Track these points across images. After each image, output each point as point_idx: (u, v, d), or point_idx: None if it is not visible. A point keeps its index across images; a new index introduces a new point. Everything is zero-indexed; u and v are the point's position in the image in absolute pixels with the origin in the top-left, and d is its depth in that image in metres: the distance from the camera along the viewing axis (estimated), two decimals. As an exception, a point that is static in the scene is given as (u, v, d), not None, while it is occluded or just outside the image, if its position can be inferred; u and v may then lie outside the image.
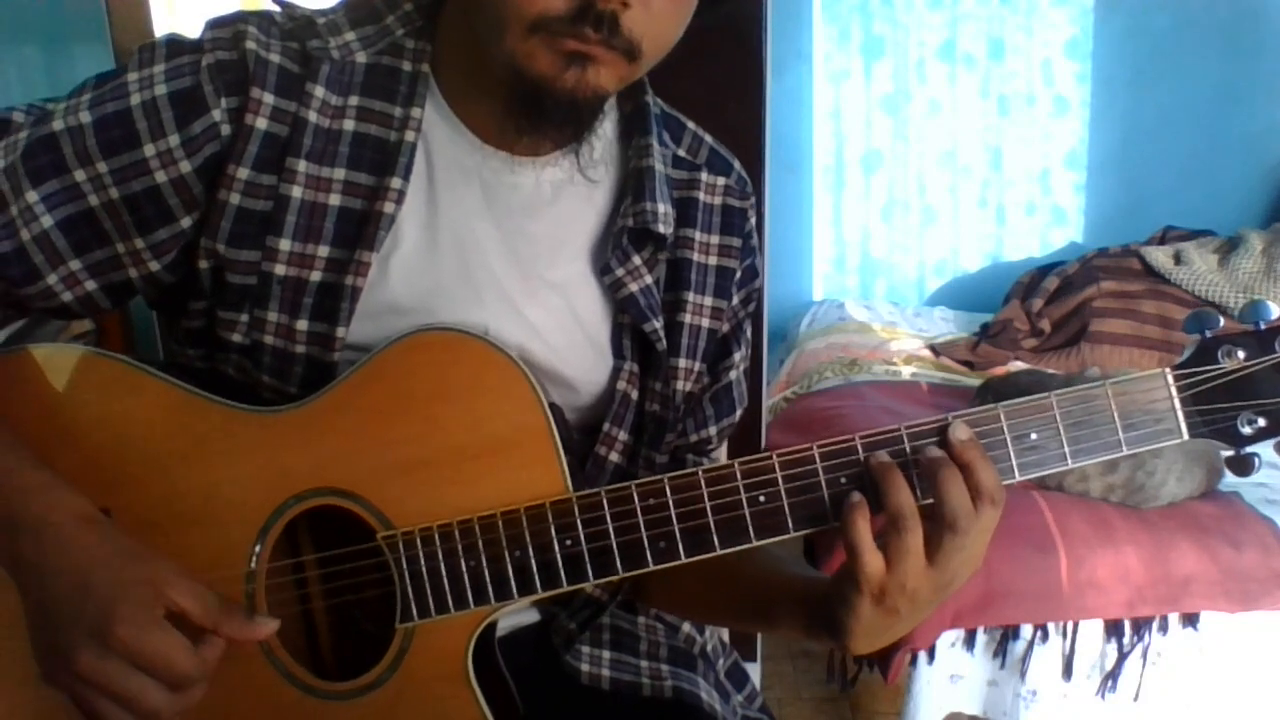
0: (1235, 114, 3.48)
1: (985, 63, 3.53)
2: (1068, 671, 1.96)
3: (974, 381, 2.79)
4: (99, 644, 0.68)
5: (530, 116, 0.79)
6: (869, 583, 0.72)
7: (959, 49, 3.52)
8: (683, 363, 0.93)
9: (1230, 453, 0.76)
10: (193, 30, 0.82)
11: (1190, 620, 1.94)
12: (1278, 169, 3.52)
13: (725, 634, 1.14)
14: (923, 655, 1.97)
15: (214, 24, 0.81)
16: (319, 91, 0.80)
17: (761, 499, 0.75)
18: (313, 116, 0.80)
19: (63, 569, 0.70)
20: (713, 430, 0.97)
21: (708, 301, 0.93)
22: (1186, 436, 0.75)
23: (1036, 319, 3.14)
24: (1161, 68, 3.47)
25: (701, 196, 0.94)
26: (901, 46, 3.52)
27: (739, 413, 1.00)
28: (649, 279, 0.89)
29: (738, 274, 0.95)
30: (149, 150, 0.77)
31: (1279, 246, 3.07)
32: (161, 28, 2.24)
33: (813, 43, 3.52)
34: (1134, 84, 3.50)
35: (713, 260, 0.94)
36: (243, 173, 0.78)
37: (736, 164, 0.98)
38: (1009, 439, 0.75)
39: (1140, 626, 1.94)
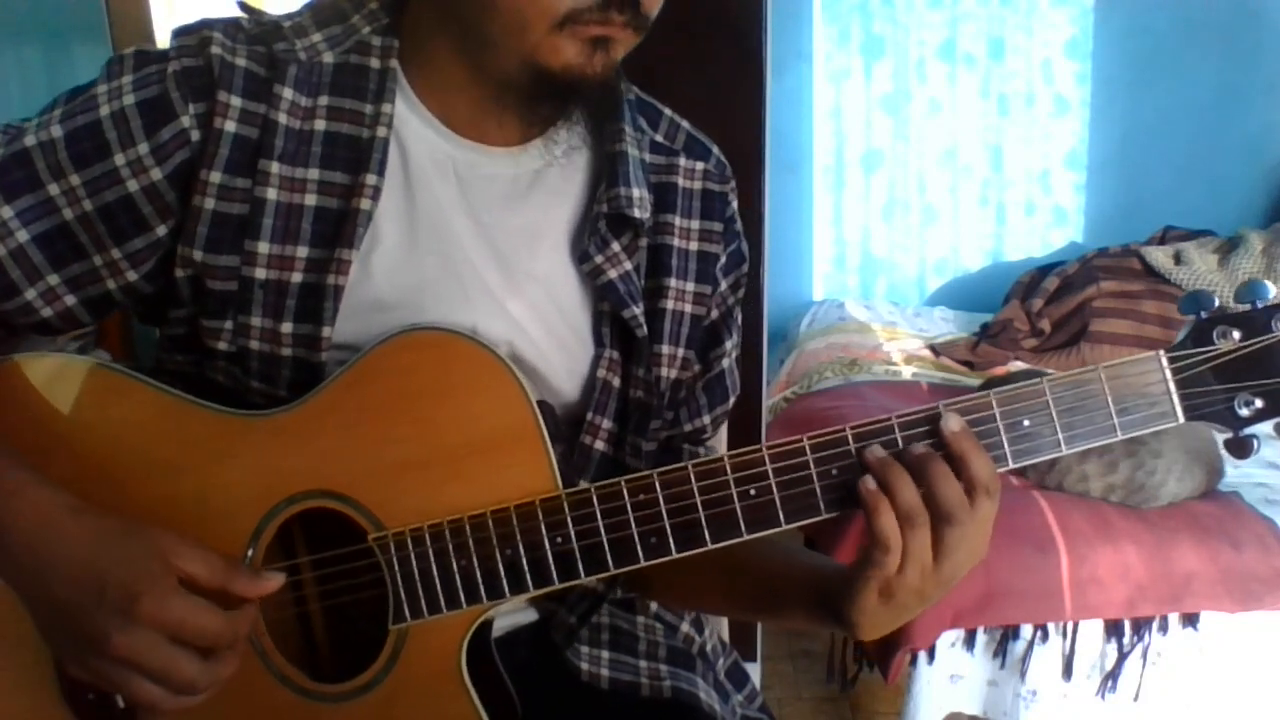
0: (1235, 114, 3.48)
1: (985, 62, 3.53)
2: (1068, 671, 1.96)
3: (974, 381, 2.79)
4: (127, 622, 0.68)
5: (553, 105, 0.81)
6: (881, 579, 0.73)
7: (959, 49, 3.52)
8: (666, 349, 0.92)
9: (1228, 435, 0.75)
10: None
11: (1190, 620, 1.94)
12: (1278, 169, 3.53)
13: (725, 633, 1.14)
14: (923, 655, 1.97)
15: (180, 32, 0.81)
16: (287, 93, 0.80)
17: (752, 492, 0.75)
18: (283, 118, 0.80)
19: (66, 562, 0.70)
20: (706, 419, 0.97)
21: (690, 287, 0.93)
22: (1182, 419, 0.74)
23: (1036, 319, 3.14)
24: (1161, 68, 3.48)
25: (680, 181, 0.94)
26: (901, 46, 3.53)
27: (732, 400, 1.00)
28: (628, 265, 0.89)
29: (721, 259, 0.95)
30: (119, 160, 0.78)
31: (1279, 246, 3.07)
32: (162, 27, 2.25)
33: (813, 43, 3.52)
34: (1134, 84, 3.51)
35: (694, 245, 0.94)
36: (215, 176, 0.78)
37: (715, 149, 0.98)
38: (1001, 426, 0.74)
39: (1140, 626, 1.94)
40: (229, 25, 0.81)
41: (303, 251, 0.81)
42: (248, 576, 0.75)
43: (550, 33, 0.75)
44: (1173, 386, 0.74)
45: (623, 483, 0.76)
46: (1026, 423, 0.74)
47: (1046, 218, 3.65)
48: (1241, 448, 0.75)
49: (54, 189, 0.78)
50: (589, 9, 0.74)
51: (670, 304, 0.92)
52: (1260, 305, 0.73)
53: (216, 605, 0.72)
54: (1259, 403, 0.74)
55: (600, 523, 0.76)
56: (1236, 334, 0.73)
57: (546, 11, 0.74)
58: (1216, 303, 0.74)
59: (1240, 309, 0.74)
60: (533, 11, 0.74)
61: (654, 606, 1.02)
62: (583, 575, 0.76)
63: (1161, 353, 0.74)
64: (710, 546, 0.76)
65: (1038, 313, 3.16)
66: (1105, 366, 0.74)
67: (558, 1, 0.74)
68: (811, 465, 0.75)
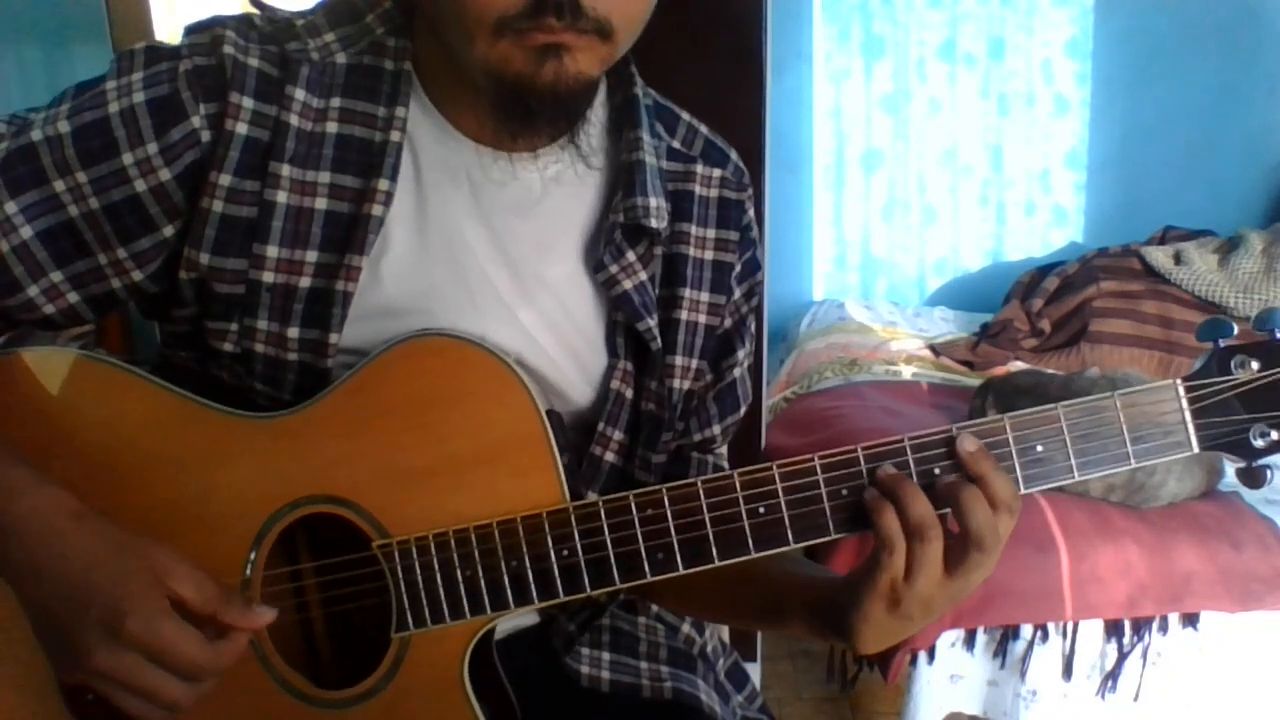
0: (1235, 114, 3.48)
1: (985, 62, 3.52)
2: (1068, 671, 1.96)
3: (974, 381, 2.78)
4: (111, 639, 0.68)
5: (521, 118, 0.78)
6: (886, 587, 0.72)
7: (959, 48, 3.52)
8: (680, 360, 0.91)
9: (1241, 464, 0.75)
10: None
11: (1190, 620, 1.94)
12: (1278, 169, 3.52)
13: (725, 635, 1.14)
14: (923, 655, 1.97)
15: (192, 29, 0.80)
16: (299, 94, 0.79)
17: (761, 510, 0.75)
18: (294, 120, 0.79)
19: (60, 567, 0.70)
20: (717, 429, 0.96)
21: (705, 297, 0.92)
22: (1197, 449, 0.74)
23: (1036, 319, 3.14)
24: (1161, 68, 3.47)
25: (697, 189, 0.92)
26: (902, 46, 3.52)
27: (744, 409, 0.98)
28: (643, 275, 0.88)
29: (736, 268, 0.94)
30: (128, 159, 0.77)
31: (1279, 246, 3.07)
32: (162, 28, 2.24)
33: (813, 42, 3.51)
34: (1134, 84, 3.50)
35: (709, 255, 0.92)
36: (225, 179, 0.78)
37: (733, 155, 0.96)
38: (1014, 451, 0.74)
39: (1140, 626, 1.94)
40: (241, 23, 0.80)
41: (312, 256, 0.80)
42: (239, 608, 0.72)
43: (493, 41, 0.73)
44: (1189, 416, 0.74)
45: (631, 497, 0.75)
46: (1040, 448, 0.74)
47: (1046, 217, 3.65)
48: (1254, 478, 0.74)
49: (59, 185, 0.77)
50: (519, 16, 0.71)
51: (684, 314, 0.91)
52: (1278, 335, 0.73)
53: (206, 629, 0.71)
54: (1275, 434, 0.74)
55: (607, 537, 0.75)
56: (1255, 364, 0.73)
57: (480, 20, 0.72)
58: (1235, 331, 0.74)
59: (1259, 338, 0.73)
60: (470, 20, 0.73)
61: (654, 608, 1.02)
62: (588, 589, 0.76)
63: (1178, 381, 0.74)
64: (718, 564, 0.75)
65: (1038, 313, 3.15)
66: (1121, 394, 0.74)
67: (488, 10, 0.72)
68: (822, 485, 0.74)
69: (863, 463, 0.74)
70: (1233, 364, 0.74)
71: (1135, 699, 1.96)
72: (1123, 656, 1.94)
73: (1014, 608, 1.93)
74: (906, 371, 2.89)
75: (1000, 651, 1.98)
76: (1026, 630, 1.95)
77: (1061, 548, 1.94)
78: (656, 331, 0.88)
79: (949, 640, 1.97)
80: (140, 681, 0.69)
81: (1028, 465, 0.74)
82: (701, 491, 0.75)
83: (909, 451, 0.74)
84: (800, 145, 3.59)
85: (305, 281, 0.80)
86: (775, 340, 3.23)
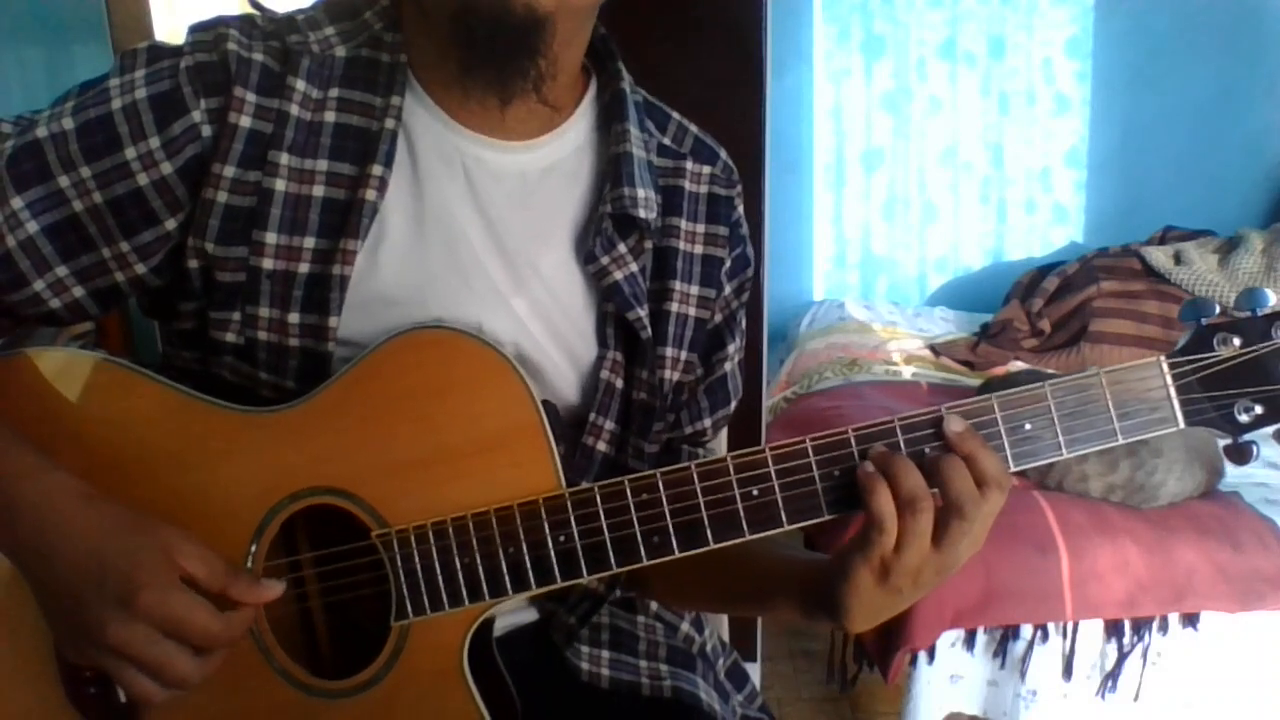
0: (1235, 114, 3.49)
1: (986, 61, 3.53)
2: (1068, 671, 1.96)
3: (974, 382, 2.79)
4: (125, 612, 0.68)
5: (494, 54, 0.78)
6: (877, 558, 0.73)
7: (959, 47, 3.53)
8: (670, 352, 0.92)
9: (1228, 441, 0.76)
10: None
11: (1190, 620, 1.94)
12: (1278, 169, 3.53)
13: (725, 633, 1.14)
14: (923, 655, 1.97)
15: (195, 28, 0.82)
16: (300, 85, 0.81)
17: (755, 493, 0.75)
18: (294, 110, 0.80)
19: (71, 547, 0.71)
20: (708, 422, 0.98)
21: (695, 290, 0.93)
22: (1182, 425, 0.75)
23: (1036, 319, 3.14)
24: (1161, 68, 3.48)
25: (687, 185, 0.94)
26: (902, 45, 3.53)
27: (734, 404, 1.00)
28: (634, 267, 0.89)
29: (726, 263, 0.95)
30: (130, 153, 0.78)
31: (1279, 246, 3.07)
32: (162, 28, 2.25)
33: (813, 42, 3.53)
34: (1134, 83, 3.51)
35: (699, 249, 0.94)
36: (229, 170, 0.79)
37: (722, 153, 0.98)
38: (1003, 430, 0.75)
39: (1140, 626, 1.94)
40: (244, 22, 0.82)
41: (309, 242, 0.81)
42: (247, 582, 0.74)
43: None
44: (1173, 392, 0.75)
45: (626, 482, 0.76)
46: (1028, 426, 0.75)
47: (1047, 216, 3.66)
48: (1241, 453, 0.75)
49: (64, 181, 0.78)
50: None
51: (675, 307, 0.92)
52: (1260, 313, 0.74)
53: (215, 606, 0.72)
54: (1258, 409, 0.75)
55: (603, 522, 0.76)
56: (1237, 341, 0.74)
57: None
58: (1217, 310, 0.75)
59: (1240, 316, 0.75)
60: None
61: (654, 606, 1.03)
62: (585, 574, 0.77)
63: (1162, 358, 0.75)
64: (713, 546, 0.76)
65: (1038, 313, 3.16)
66: (1106, 371, 0.75)
67: None
68: (814, 466, 0.75)
69: (854, 444, 0.75)
70: (1215, 341, 0.75)
71: (1135, 699, 1.96)
72: (1123, 656, 1.94)
73: (1014, 608, 1.93)
74: (906, 371, 2.90)
75: (1000, 651, 1.98)
76: (1026, 630, 1.95)
77: (1061, 548, 1.95)
78: (647, 321, 0.89)
79: (949, 640, 1.98)
80: (152, 654, 0.69)
81: (1017, 443, 0.75)
82: (695, 475, 0.75)
83: (899, 432, 0.75)
84: (800, 144, 3.60)
85: (304, 267, 0.81)
86: (775, 340, 3.23)
